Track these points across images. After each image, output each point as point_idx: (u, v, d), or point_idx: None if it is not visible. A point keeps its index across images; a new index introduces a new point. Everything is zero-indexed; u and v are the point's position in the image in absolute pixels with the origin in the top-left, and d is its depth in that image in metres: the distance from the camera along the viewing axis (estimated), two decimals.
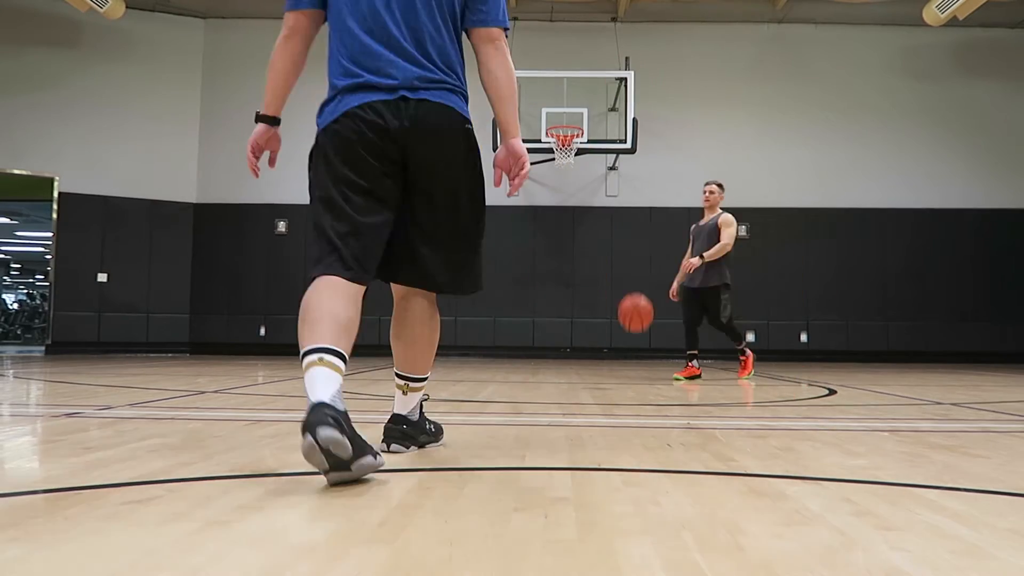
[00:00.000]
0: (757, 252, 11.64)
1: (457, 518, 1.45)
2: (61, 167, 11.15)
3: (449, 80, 2.08)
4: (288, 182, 11.84)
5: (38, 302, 20.77)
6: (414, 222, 2.13)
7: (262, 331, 11.62)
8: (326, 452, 1.63)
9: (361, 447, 1.70)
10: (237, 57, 12.14)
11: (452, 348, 11.30)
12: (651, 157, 11.25)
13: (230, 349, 11.44)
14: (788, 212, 11.68)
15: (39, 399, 4.15)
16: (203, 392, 4.42)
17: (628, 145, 10.26)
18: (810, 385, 5.88)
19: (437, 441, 2.42)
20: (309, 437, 1.62)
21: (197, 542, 1.27)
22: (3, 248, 24.29)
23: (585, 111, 10.27)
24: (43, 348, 11.26)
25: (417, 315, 2.30)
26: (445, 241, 2.16)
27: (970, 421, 3.40)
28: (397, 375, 2.33)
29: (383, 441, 2.23)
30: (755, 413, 3.69)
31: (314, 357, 1.80)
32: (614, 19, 11.71)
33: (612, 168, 11.61)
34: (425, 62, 2.05)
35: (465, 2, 2.10)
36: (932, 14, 10.38)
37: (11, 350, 13.40)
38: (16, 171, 11.09)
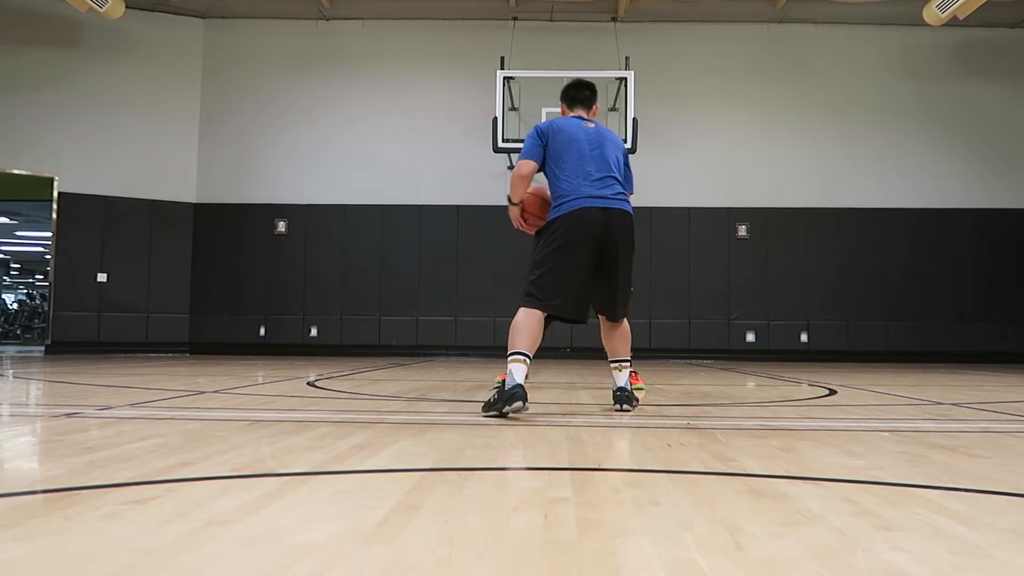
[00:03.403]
0: (757, 252, 11.65)
1: (457, 518, 1.45)
2: (61, 167, 11.15)
3: None
4: (288, 182, 11.91)
5: (38, 302, 20.78)
6: None
7: (262, 331, 11.62)
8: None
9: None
10: (237, 57, 12.15)
11: (452, 348, 11.30)
12: (651, 157, 11.24)
13: (230, 349, 11.44)
14: (788, 212, 11.68)
15: (39, 399, 4.15)
16: (203, 392, 4.42)
17: (628, 145, 10.25)
18: (810, 385, 5.87)
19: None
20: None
21: (197, 542, 1.27)
22: (3, 248, 24.29)
23: None
24: (43, 348, 11.26)
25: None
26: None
27: (970, 421, 3.40)
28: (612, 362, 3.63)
29: (615, 404, 3.50)
30: (755, 413, 3.69)
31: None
32: (614, 19, 11.71)
33: None
34: None
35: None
36: (932, 14, 10.37)
37: (11, 350, 13.40)
38: (16, 171, 11.09)
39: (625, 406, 3.48)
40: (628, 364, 3.58)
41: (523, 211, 3.66)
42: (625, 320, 3.62)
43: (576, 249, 3.40)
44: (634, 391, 4.77)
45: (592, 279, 3.47)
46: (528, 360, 3.26)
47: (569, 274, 3.40)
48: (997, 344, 11.33)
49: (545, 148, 3.54)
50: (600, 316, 3.63)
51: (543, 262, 3.44)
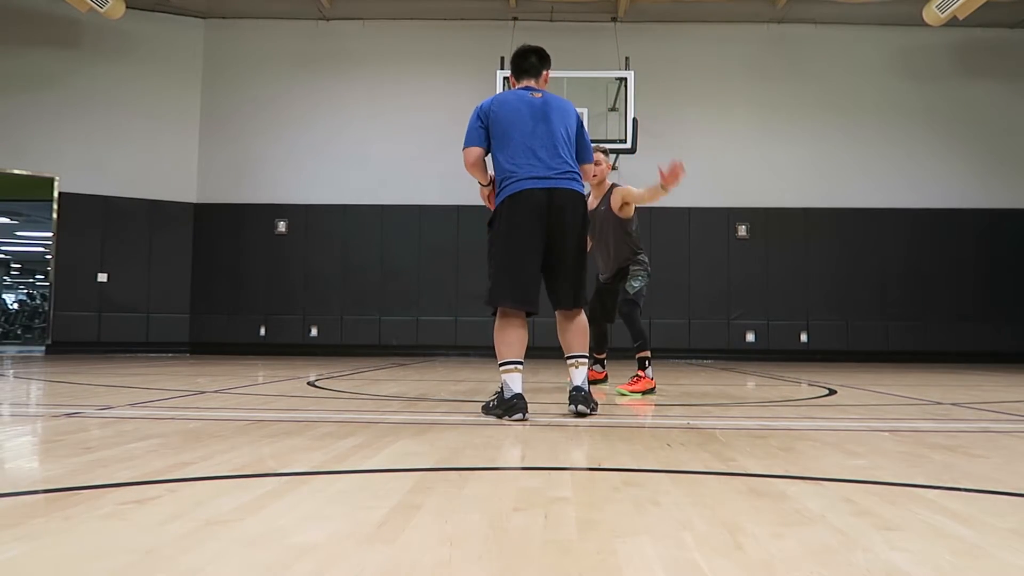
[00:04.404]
0: (757, 252, 11.65)
1: (457, 518, 1.45)
2: (61, 167, 11.15)
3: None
4: (288, 182, 11.91)
5: (38, 302, 20.76)
6: None
7: (262, 331, 11.62)
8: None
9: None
10: (237, 57, 12.15)
11: (452, 348, 11.30)
12: (651, 157, 11.19)
13: (230, 349, 11.44)
14: (788, 212, 11.68)
15: (39, 399, 4.15)
16: (203, 392, 4.42)
17: (628, 145, 10.26)
18: (810, 385, 5.87)
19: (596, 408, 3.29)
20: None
21: (197, 542, 1.27)
22: (3, 248, 24.27)
23: (585, 111, 10.26)
24: (43, 348, 11.26)
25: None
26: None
27: (970, 421, 3.40)
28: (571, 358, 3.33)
29: (570, 404, 3.22)
30: (755, 413, 3.69)
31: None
32: (614, 19, 11.72)
33: (612, 168, 11.61)
34: None
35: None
36: (932, 14, 10.37)
37: (11, 350, 13.39)
38: (16, 171, 11.10)
39: (580, 407, 3.19)
40: (585, 360, 3.32)
41: (493, 188, 3.47)
42: (582, 312, 3.40)
43: (524, 235, 3.23)
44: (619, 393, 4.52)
45: (543, 265, 3.29)
46: (521, 367, 3.17)
47: (525, 264, 3.24)
48: (997, 344, 11.32)
49: (487, 129, 3.34)
50: (555, 308, 3.39)
51: (501, 256, 3.28)
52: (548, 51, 3.57)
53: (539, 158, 3.24)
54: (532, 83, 3.48)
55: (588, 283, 3.57)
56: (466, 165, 3.41)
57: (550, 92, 3.49)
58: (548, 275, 3.32)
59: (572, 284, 3.32)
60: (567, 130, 3.37)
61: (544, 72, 3.52)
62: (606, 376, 5.45)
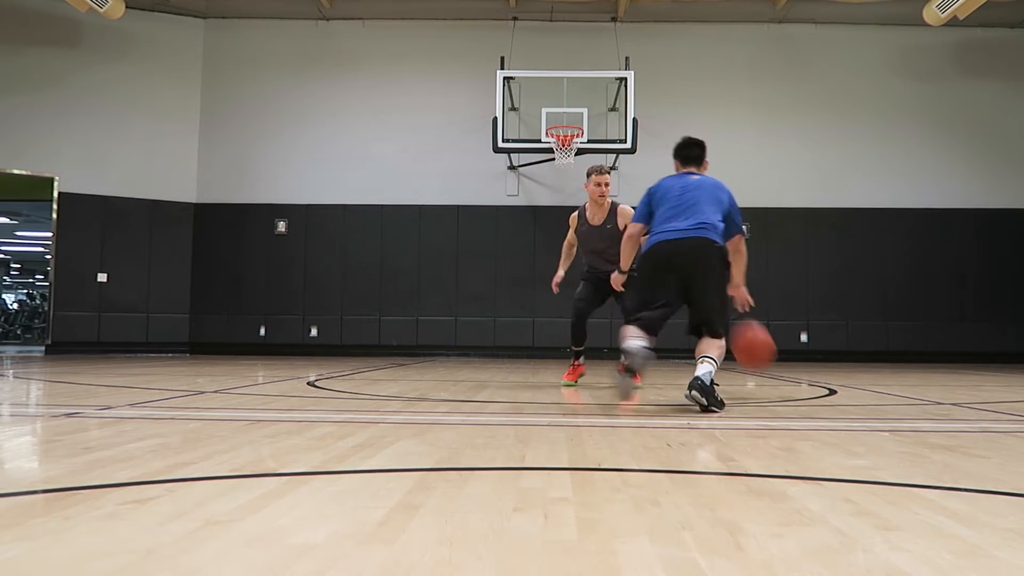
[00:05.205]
0: (757, 252, 11.62)
1: (457, 518, 1.45)
2: (61, 167, 11.15)
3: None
4: (288, 182, 11.91)
5: (38, 302, 20.76)
6: None
7: (262, 331, 11.62)
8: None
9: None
10: (237, 57, 12.16)
11: (452, 348, 11.30)
12: (651, 157, 11.21)
13: (230, 349, 11.44)
14: (788, 212, 11.67)
15: (39, 399, 4.15)
16: (203, 392, 4.42)
17: (628, 145, 10.26)
18: (810, 385, 5.87)
19: (720, 409, 3.50)
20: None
21: (197, 542, 1.27)
22: (3, 248, 24.27)
23: (585, 111, 10.27)
24: (43, 348, 11.26)
25: None
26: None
27: (970, 421, 3.40)
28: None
29: (688, 390, 3.49)
30: (755, 413, 3.69)
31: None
32: (614, 19, 11.71)
33: (612, 168, 11.60)
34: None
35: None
36: (932, 14, 10.37)
37: (11, 350, 13.39)
38: (16, 171, 11.10)
39: (695, 392, 3.46)
40: (707, 360, 3.66)
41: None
42: (716, 336, 3.79)
43: (652, 279, 3.85)
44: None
45: (681, 300, 3.87)
46: (642, 337, 3.69)
47: (646, 299, 3.85)
48: (997, 344, 11.32)
49: (651, 206, 3.97)
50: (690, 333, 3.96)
51: (635, 293, 4.02)
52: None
53: (678, 217, 3.81)
54: (695, 169, 4.07)
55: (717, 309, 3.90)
56: (626, 236, 4.17)
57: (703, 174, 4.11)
58: (688, 308, 3.89)
59: (700, 318, 3.82)
60: (718, 199, 3.88)
61: (705, 161, 4.16)
62: (583, 371, 5.69)
